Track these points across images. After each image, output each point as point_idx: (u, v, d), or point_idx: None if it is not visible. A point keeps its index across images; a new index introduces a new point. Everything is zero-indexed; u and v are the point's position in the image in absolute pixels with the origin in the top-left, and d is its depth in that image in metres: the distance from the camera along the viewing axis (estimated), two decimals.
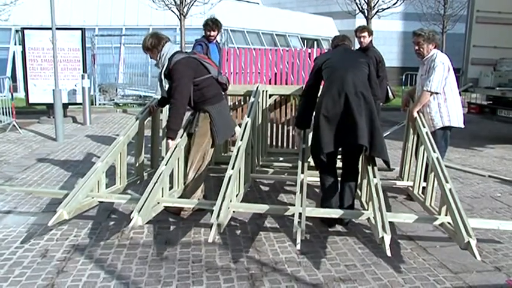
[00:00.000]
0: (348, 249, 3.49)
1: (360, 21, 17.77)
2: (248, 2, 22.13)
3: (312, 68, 4.09)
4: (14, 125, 8.74)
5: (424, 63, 4.56)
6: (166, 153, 3.96)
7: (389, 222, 3.20)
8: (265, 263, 3.24)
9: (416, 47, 4.54)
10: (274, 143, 5.73)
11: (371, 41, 5.72)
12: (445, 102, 4.46)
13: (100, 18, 16.97)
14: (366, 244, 3.59)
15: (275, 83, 6.04)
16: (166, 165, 3.70)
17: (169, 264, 3.21)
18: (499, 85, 8.08)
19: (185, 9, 13.82)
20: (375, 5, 15.25)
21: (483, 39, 8.13)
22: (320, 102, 3.74)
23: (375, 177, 3.63)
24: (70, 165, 6.12)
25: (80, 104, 10.18)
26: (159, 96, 4.29)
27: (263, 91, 5.13)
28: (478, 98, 9.68)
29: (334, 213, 3.61)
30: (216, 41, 5.86)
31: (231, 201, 3.42)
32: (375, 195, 3.43)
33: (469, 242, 2.94)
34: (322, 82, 3.95)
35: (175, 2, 13.75)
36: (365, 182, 3.99)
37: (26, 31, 10.07)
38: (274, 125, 5.66)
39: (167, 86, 4.01)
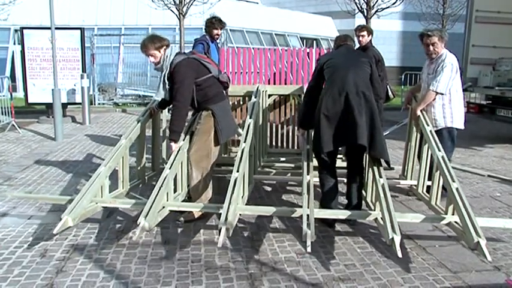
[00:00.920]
0: (347, 249, 3.49)
1: (360, 20, 17.77)
2: (247, 1, 22.11)
3: (315, 68, 4.08)
4: (13, 125, 8.74)
5: (432, 62, 4.52)
6: (167, 155, 3.93)
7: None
8: (265, 263, 3.24)
9: (431, 48, 4.44)
10: (274, 143, 5.71)
11: (370, 40, 5.71)
12: (449, 103, 4.44)
13: (99, 17, 16.96)
14: (365, 244, 3.59)
15: (274, 83, 6.04)
16: (170, 168, 3.67)
17: (169, 264, 3.21)
18: (498, 85, 8.08)
19: (184, 9, 13.80)
20: (374, 5, 15.25)
21: (482, 39, 8.14)
22: (321, 101, 3.73)
23: (380, 177, 3.60)
24: (69, 165, 6.12)
25: (79, 103, 10.18)
26: (159, 99, 4.25)
27: (263, 91, 5.12)
28: (477, 97, 9.69)
29: (342, 214, 3.60)
30: (217, 40, 5.87)
31: (237, 204, 3.39)
32: (382, 195, 3.40)
33: (478, 242, 2.93)
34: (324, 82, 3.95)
35: (174, 2, 13.72)
36: (370, 182, 3.98)
37: (25, 31, 10.08)
38: (274, 125, 5.64)
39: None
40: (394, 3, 15.50)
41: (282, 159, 5.27)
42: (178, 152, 3.86)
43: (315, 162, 4.00)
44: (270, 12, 21.75)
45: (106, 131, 9.23)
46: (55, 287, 2.87)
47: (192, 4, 13.97)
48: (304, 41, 21.54)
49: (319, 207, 3.93)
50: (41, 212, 4.23)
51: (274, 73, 6.09)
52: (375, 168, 3.71)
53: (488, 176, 5.77)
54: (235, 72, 6.12)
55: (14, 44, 16.01)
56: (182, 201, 3.97)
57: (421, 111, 4.44)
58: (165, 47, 3.91)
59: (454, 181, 3.50)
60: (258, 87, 4.90)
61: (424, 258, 3.34)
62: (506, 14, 8.10)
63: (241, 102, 5.53)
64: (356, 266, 3.20)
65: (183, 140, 3.98)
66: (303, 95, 4.84)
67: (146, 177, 4.59)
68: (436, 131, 4.29)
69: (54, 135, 8.09)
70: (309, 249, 2.92)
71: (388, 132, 7.58)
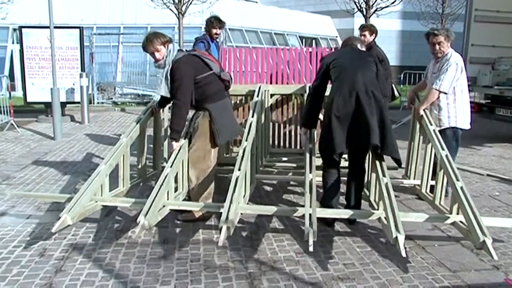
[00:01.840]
0: (347, 248, 3.49)
1: (359, 19, 17.79)
2: (247, 0, 22.11)
3: (319, 68, 4.05)
4: (12, 124, 8.72)
5: (437, 61, 4.51)
6: (168, 154, 3.89)
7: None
8: (264, 262, 3.23)
9: (437, 47, 4.42)
10: (276, 143, 5.68)
11: (374, 39, 5.64)
12: (454, 102, 4.43)
13: (98, 16, 16.95)
14: (364, 243, 3.59)
15: (275, 82, 6.01)
16: (171, 167, 3.65)
17: (168, 263, 3.20)
18: (497, 84, 8.09)
19: (183, 8, 13.80)
20: (373, 4, 15.26)
21: (481, 38, 8.13)
22: (330, 102, 3.70)
23: (384, 176, 3.58)
24: (68, 164, 6.11)
25: (78, 102, 10.17)
26: (159, 97, 4.21)
27: (265, 91, 5.08)
28: (476, 96, 9.69)
29: (345, 213, 3.58)
30: (216, 40, 5.86)
31: (238, 203, 3.36)
32: (385, 194, 3.38)
33: (484, 241, 2.92)
34: (330, 82, 3.93)
35: (173, 1, 13.72)
36: (373, 181, 3.95)
37: (23, 30, 10.07)
38: (276, 124, 5.61)
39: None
40: (393, 3, 15.53)
41: (284, 159, 5.25)
42: (179, 150, 3.84)
43: (317, 162, 3.96)
44: (269, 12, 21.75)
45: (105, 130, 9.22)
46: (54, 287, 2.87)
47: (191, 3, 13.97)
48: (304, 40, 21.54)
49: (319, 206, 3.93)
50: (39, 212, 4.23)
51: (273, 73, 6.06)
52: (379, 167, 3.69)
53: (487, 175, 5.78)
54: (238, 71, 6.08)
55: (13, 43, 16.00)
56: (183, 200, 3.96)
57: (424, 110, 4.42)
58: (168, 43, 3.86)
59: (458, 180, 3.48)
60: (260, 87, 4.87)
61: (423, 257, 3.34)
62: (505, 13, 8.10)
63: (243, 102, 5.50)
64: (355, 265, 3.20)
65: (184, 138, 3.96)
66: (305, 95, 4.82)
67: (147, 176, 4.56)
68: (440, 131, 4.26)
69: (53, 135, 8.08)
70: (311, 249, 2.90)
71: None
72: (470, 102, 8.91)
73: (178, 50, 3.88)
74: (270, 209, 3.65)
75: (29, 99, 10.17)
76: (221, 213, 3.10)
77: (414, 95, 4.85)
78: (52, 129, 8.17)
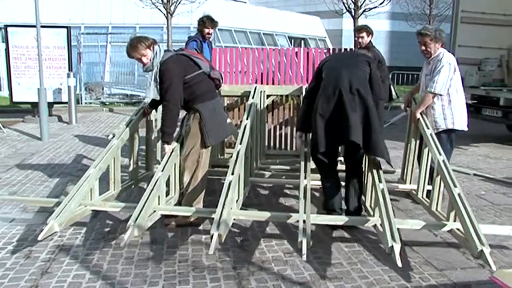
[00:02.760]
0: (335, 248, 3.50)
1: (347, 20, 17.88)
2: (235, 0, 22.09)
3: (315, 70, 4.04)
4: None
5: (429, 62, 4.45)
6: (161, 157, 3.80)
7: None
8: (252, 262, 3.24)
9: (423, 47, 4.38)
10: (272, 145, 5.64)
11: (370, 40, 5.62)
12: (449, 104, 4.34)
13: (86, 16, 16.79)
14: (352, 243, 3.61)
15: (265, 82, 5.99)
16: (162, 171, 3.57)
17: (156, 264, 3.19)
18: (484, 84, 8.18)
19: (172, 8, 13.74)
20: (361, 5, 15.34)
21: (468, 39, 8.21)
22: (317, 102, 3.67)
23: (380, 182, 3.50)
24: (55, 165, 6.05)
25: (66, 103, 10.06)
26: (148, 99, 4.15)
27: (261, 92, 4.99)
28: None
29: (340, 220, 3.51)
30: (209, 39, 5.83)
31: (231, 208, 3.27)
32: (381, 200, 3.30)
33: (482, 250, 2.86)
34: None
35: (162, 1, 13.66)
36: (369, 187, 3.87)
37: (9, 29, 9.92)
38: (272, 126, 5.57)
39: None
40: (381, 3, 15.61)
41: (278, 161, 5.20)
42: (171, 154, 3.77)
43: (313, 165, 3.87)
44: (257, 12, 21.75)
45: (93, 131, 9.14)
46: None
47: (179, 3, 13.92)
48: (292, 40, 21.59)
49: (322, 208, 3.91)
50: (26, 213, 4.17)
51: (263, 72, 6.04)
52: (375, 172, 3.60)
53: (474, 174, 5.84)
54: (228, 72, 6.06)
55: None
56: (174, 205, 3.87)
57: (420, 114, 4.35)
58: (153, 45, 3.80)
59: (455, 186, 3.38)
60: (256, 88, 4.82)
61: (410, 256, 3.37)
62: (490, 14, 8.20)
63: (238, 103, 5.46)
64: (343, 265, 3.22)
65: (177, 141, 3.89)
66: (302, 96, 4.75)
67: (139, 178, 4.47)
68: (436, 133, 4.19)
69: (40, 135, 7.99)
70: (304, 257, 2.86)
71: None
72: None
73: (165, 51, 3.83)
74: (263, 215, 3.56)
75: (15, 99, 10.04)
76: (213, 218, 3.04)
77: (411, 97, 4.77)
78: (39, 130, 8.07)
